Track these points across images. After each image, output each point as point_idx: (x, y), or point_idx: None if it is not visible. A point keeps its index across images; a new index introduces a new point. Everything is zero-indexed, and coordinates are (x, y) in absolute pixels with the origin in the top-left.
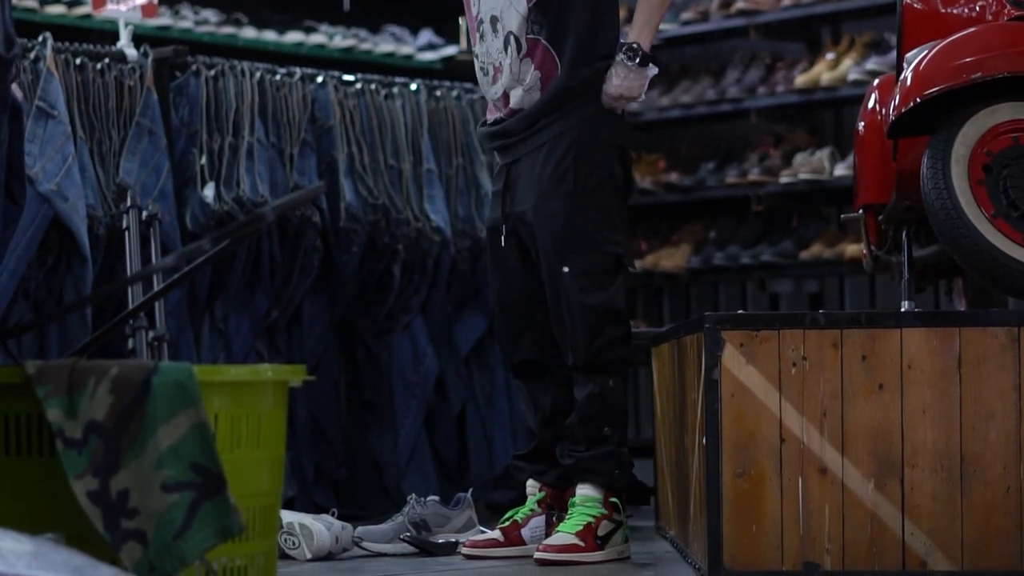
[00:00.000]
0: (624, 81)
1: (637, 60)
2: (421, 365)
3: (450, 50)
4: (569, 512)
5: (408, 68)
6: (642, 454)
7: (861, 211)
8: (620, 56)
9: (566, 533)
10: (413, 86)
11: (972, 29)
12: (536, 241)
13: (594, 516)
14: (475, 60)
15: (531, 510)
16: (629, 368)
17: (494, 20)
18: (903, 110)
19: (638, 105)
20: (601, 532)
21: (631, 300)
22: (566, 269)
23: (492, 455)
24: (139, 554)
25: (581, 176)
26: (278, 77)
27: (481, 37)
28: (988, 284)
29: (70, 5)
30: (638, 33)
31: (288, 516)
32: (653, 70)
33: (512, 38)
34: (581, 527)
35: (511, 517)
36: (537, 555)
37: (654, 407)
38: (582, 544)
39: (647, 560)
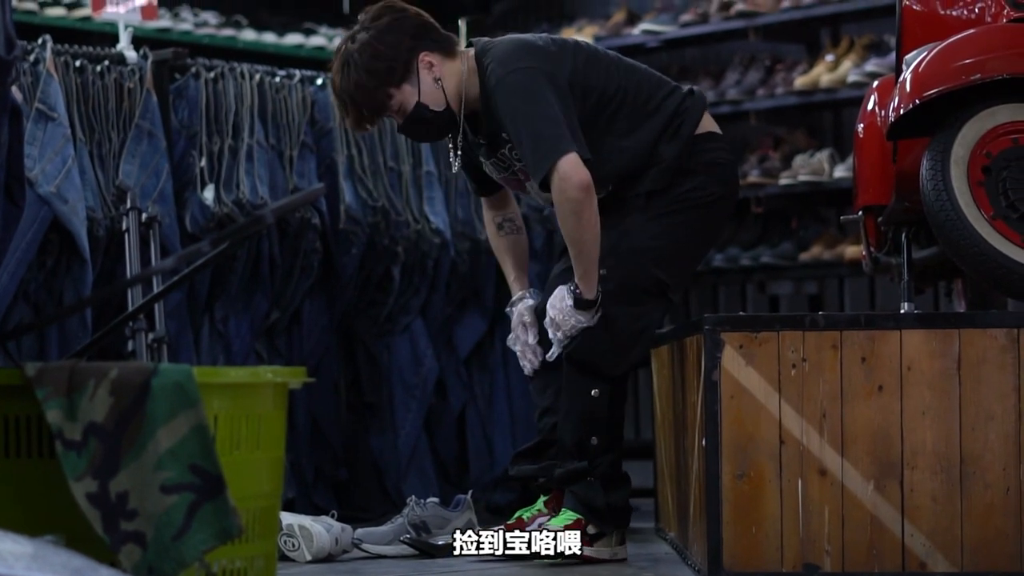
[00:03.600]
0: (557, 310)
1: (573, 302)
2: (421, 367)
3: None
4: (563, 511)
5: None
6: (642, 456)
7: (861, 213)
8: (565, 290)
9: (556, 526)
10: None
11: (971, 31)
12: None
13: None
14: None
15: (538, 510)
16: (614, 379)
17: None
18: (902, 111)
19: None
20: (591, 531)
21: None
22: (603, 272)
23: (492, 457)
24: (138, 556)
25: (669, 196)
26: (278, 79)
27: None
28: (987, 285)
29: (70, 7)
30: (581, 282)
31: (288, 518)
32: (584, 317)
33: None
34: (571, 522)
35: (519, 516)
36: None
37: (654, 409)
38: None
39: (646, 562)
